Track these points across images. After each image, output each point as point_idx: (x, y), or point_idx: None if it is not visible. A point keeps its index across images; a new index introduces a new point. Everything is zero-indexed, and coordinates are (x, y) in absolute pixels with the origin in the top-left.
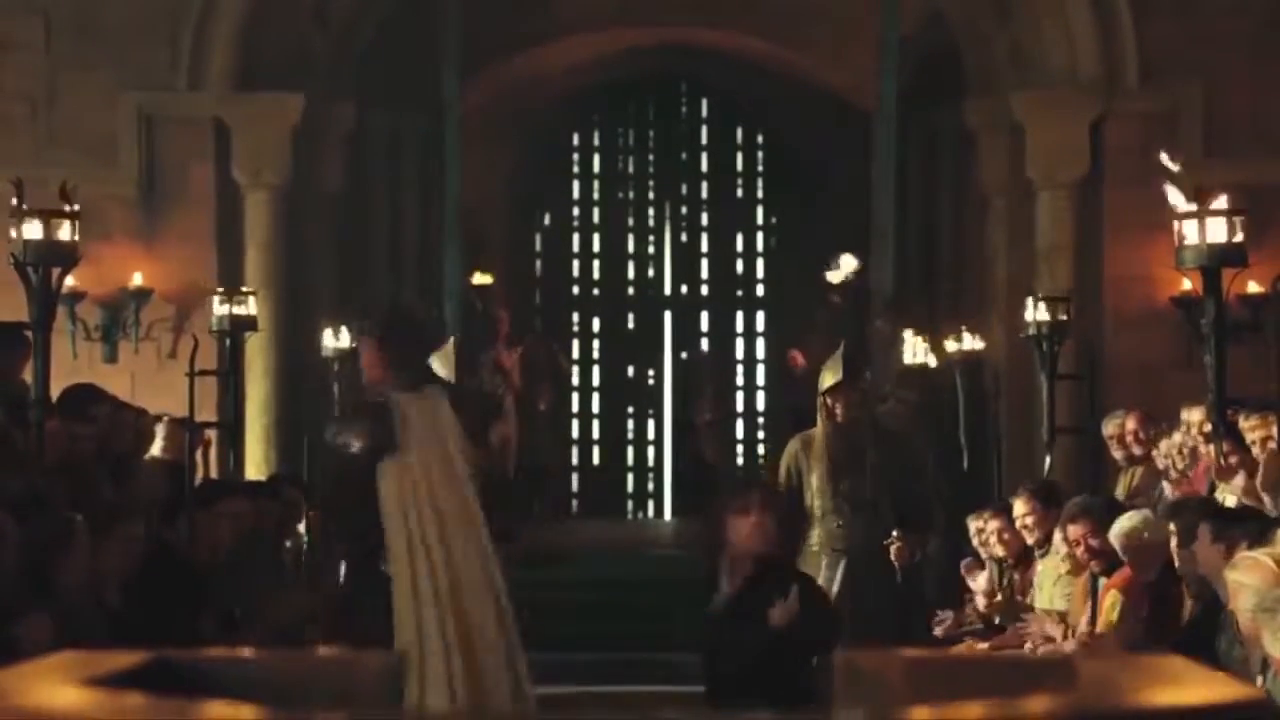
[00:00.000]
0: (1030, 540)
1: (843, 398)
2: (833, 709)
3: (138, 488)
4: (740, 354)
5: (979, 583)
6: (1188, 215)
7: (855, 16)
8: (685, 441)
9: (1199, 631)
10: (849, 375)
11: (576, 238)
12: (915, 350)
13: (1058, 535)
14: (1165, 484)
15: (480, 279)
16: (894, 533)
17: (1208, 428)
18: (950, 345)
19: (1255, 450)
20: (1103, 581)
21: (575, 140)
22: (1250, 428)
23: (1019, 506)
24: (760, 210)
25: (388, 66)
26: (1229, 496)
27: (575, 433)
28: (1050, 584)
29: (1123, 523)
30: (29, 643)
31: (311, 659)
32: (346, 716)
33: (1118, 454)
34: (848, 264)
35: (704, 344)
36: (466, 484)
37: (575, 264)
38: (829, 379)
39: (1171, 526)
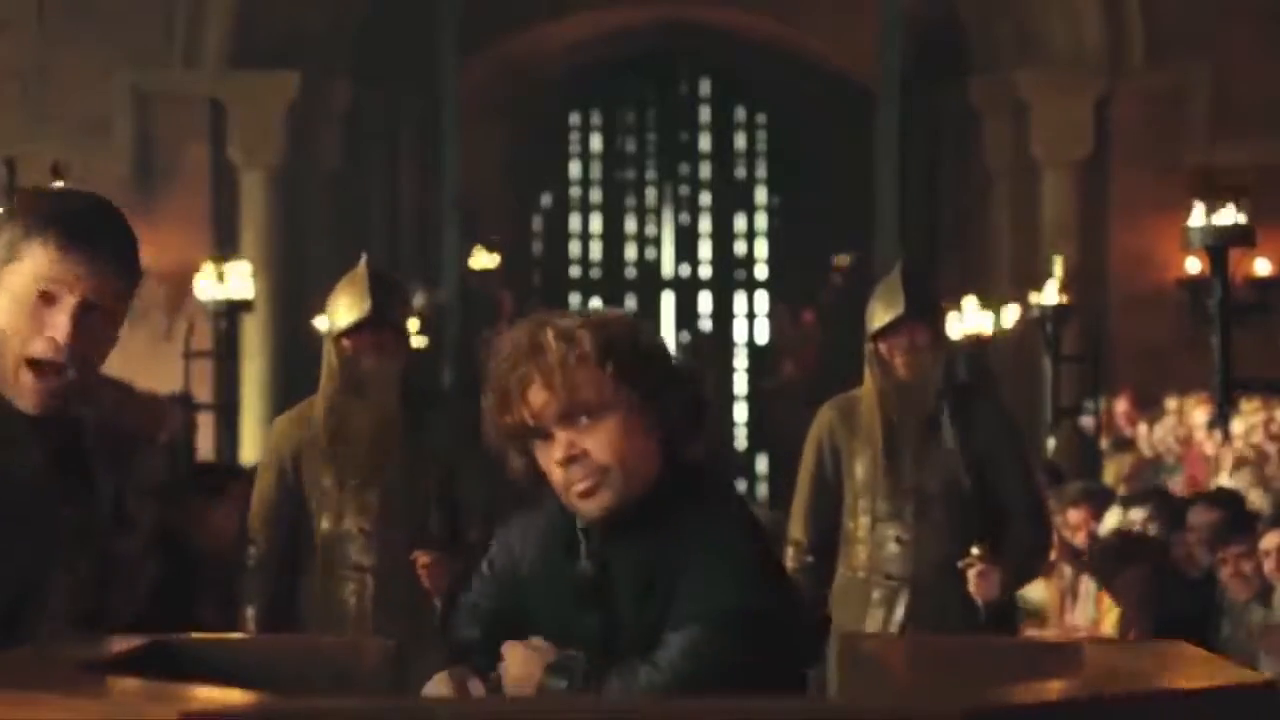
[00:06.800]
0: None
1: (906, 340)
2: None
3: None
4: (742, 336)
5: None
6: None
7: None
8: None
9: (1186, 615)
10: (915, 305)
11: (576, 218)
12: None
13: None
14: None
15: (481, 260)
16: (974, 549)
17: (1204, 417)
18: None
19: (1257, 435)
20: None
21: (574, 120)
22: (1252, 410)
23: None
24: (761, 190)
25: (385, 44)
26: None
27: None
28: None
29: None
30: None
31: (309, 645)
32: (344, 703)
33: (1104, 440)
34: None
35: (704, 325)
36: None
37: (575, 244)
38: (884, 313)
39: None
